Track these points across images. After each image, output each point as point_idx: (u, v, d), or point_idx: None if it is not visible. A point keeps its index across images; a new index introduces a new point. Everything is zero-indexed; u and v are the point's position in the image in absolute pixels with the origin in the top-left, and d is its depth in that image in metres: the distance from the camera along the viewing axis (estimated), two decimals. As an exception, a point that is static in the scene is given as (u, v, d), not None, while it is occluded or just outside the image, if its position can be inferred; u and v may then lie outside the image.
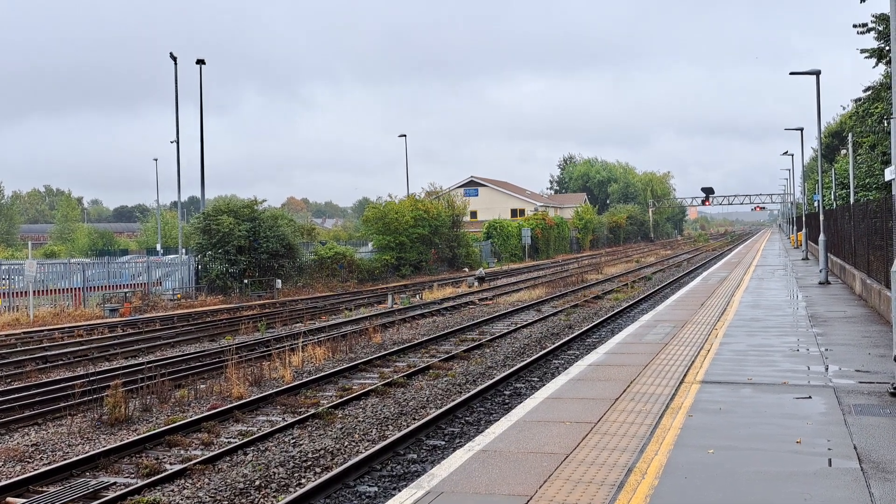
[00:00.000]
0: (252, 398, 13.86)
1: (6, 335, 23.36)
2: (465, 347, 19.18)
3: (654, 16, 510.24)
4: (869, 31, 24.52)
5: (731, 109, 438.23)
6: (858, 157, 34.24)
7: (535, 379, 15.39)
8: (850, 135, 34.06)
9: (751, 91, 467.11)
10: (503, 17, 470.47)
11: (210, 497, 9.11)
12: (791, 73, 29.96)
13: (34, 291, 29.25)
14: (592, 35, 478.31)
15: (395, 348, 19.30)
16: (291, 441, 11.36)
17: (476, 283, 40.66)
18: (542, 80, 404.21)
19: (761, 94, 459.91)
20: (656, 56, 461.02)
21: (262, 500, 9.06)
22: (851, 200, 30.51)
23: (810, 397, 9.68)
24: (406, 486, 8.10)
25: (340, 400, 13.68)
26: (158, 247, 55.75)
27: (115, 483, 9.78)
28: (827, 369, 11.48)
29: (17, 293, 30.47)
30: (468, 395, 13.48)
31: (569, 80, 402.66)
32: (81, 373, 17.39)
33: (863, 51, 25.34)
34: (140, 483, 9.55)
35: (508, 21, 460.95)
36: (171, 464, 10.55)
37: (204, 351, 19.88)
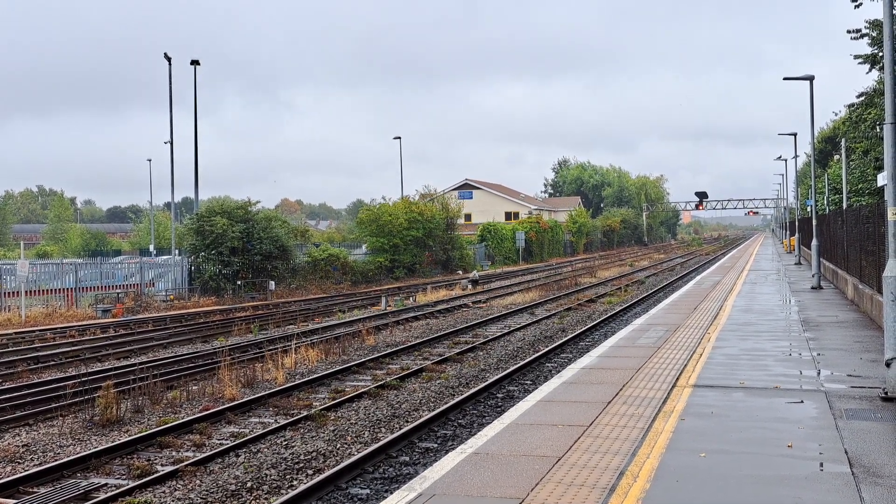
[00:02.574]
0: (244, 400, 13.84)
1: (-2, 335, 23.28)
2: (458, 350, 19.18)
3: (626, 22, 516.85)
4: (862, 36, 24.60)
5: (712, 114, 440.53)
6: (851, 163, 34.35)
7: (528, 382, 15.39)
8: (843, 140, 34.17)
9: (729, 96, 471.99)
10: (477, 22, 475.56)
11: (201, 499, 9.09)
12: (785, 79, 30.08)
13: (26, 292, 29.17)
14: (567, 41, 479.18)
15: (389, 350, 19.29)
16: (283, 443, 11.35)
17: (470, 286, 40.66)
18: (522, 85, 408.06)
19: (741, 99, 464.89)
20: (632, 62, 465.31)
21: (253, 501, 9.04)
22: (844, 206, 30.61)
23: (802, 402, 9.71)
24: (398, 488, 8.10)
25: (333, 402, 13.67)
26: (151, 248, 55.60)
27: (106, 484, 9.76)
28: (819, 374, 11.51)
29: (9, 293, 30.38)
30: (461, 397, 13.48)
31: (548, 85, 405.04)
32: (73, 373, 17.34)
33: (856, 56, 25.42)
34: (131, 484, 9.53)
35: (483, 27, 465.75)
36: (162, 465, 10.52)
37: (196, 352, 19.84)
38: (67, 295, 32.08)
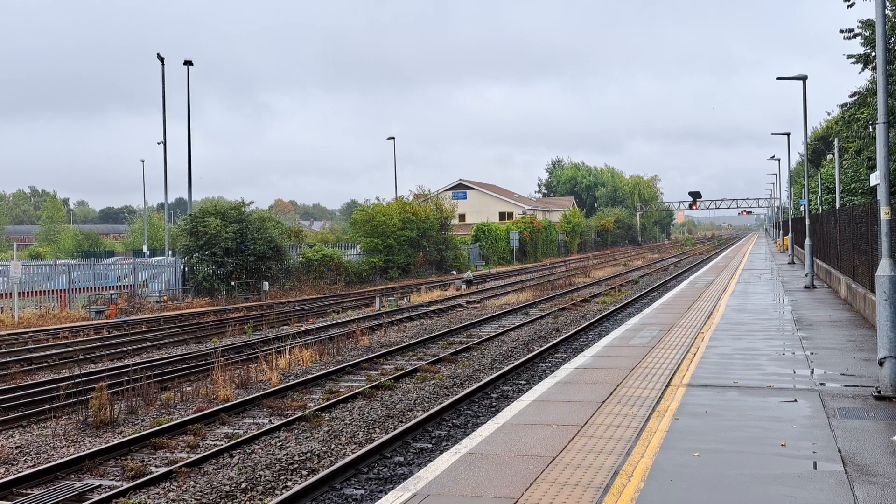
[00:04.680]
0: (238, 401, 13.81)
1: (-10, 337, 23.18)
2: (452, 350, 19.17)
3: (594, 25, 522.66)
4: (855, 36, 24.64)
5: (696, 115, 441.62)
6: (844, 162, 34.48)
7: (523, 382, 15.40)
8: (836, 140, 34.30)
9: (712, 98, 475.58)
10: (449, 25, 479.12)
11: (196, 500, 9.08)
12: (778, 78, 30.15)
13: (19, 293, 29.06)
14: (538, 44, 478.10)
15: (383, 351, 19.27)
16: (278, 443, 11.33)
17: (464, 286, 40.67)
18: (500, 87, 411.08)
19: (724, 100, 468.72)
20: (605, 64, 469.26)
21: (248, 502, 9.03)
22: (837, 205, 30.72)
23: (795, 401, 9.73)
24: (392, 488, 8.10)
25: (327, 402, 13.65)
26: (145, 248, 55.47)
27: (100, 485, 9.73)
28: (812, 373, 11.54)
29: (1, 294, 30.26)
30: (455, 397, 13.47)
31: (526, 87, 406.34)
32: (66, 375, 17.30)
33: (849, 56, 25.48)
34: (125, 485, 9.51)
35: (454, 30, 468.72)
36: (156, 466, 10.50)
37: (190, 353, 19.80)
38: (60, 296, 31.98)
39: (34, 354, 20.06)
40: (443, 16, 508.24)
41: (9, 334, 23.85)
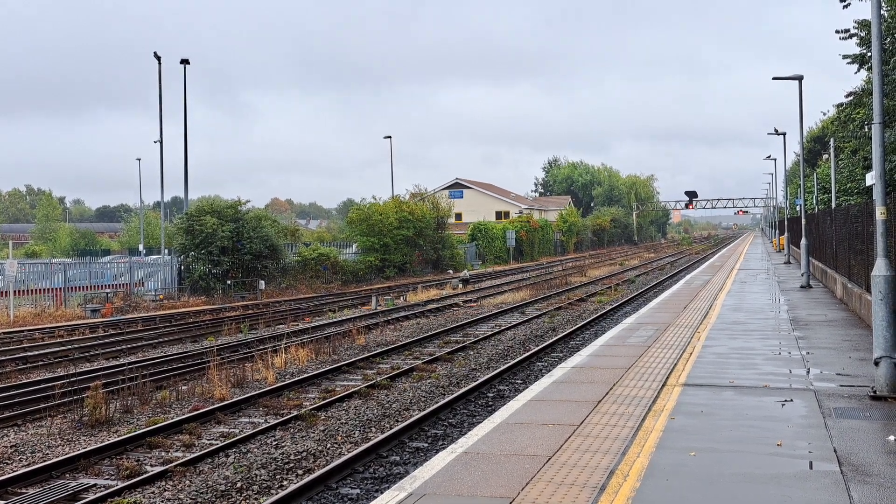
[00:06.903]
0: (234, 400, 13.80)
1: (-14, 335, 23.12)
2: (448, 349, 19.17)
3: (565, 26, 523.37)
4: (851, 36, 24.68)
5: (681, 116, 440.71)
6: (840, 162, 34.50)
7: (519, 381, 15.40)
8: (832, 140, 34.34)
9: (697, 99, 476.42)
10: (422, 26, 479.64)
11: (191, 499, 9.06)
12: (774, 78, 30.15)
13: (15, 291, 29.00)
14: (510, 45, 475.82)
15: (379, 350, 19.26)
16: (273, 443, 11.32)
17: (460, 285, 40.67)
18: (478, 88, 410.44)
19: (709, 101, 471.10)
20: (580, 65, 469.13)
21: (243, 501, 9.02)
22: (833, 205, 30.75)
23: (791, 400, 9.74)
24: (388, 487, 8.08)
25: (323, 402, 13.64)
26: (141, 247, 55.36)
27: (95, 485, 9.71)
28: (808, 372, 11.55)
29: (-3, 293, 30.20)
30: (451, 397, 13.47)
31: (504, 87, 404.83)
32: (62, 374, 17.25)
33: (844, 56, 25.52)
34: (120, 485, 9.49)
35: (427, 31, 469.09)
36: (152, 465, 10.48)
37: (186, 352, 19.77)
38: (56, 295, 31.92)
39: (29, 353, 20.02)
40: (418, 16, 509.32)
41: (4, 333, 23.80)
